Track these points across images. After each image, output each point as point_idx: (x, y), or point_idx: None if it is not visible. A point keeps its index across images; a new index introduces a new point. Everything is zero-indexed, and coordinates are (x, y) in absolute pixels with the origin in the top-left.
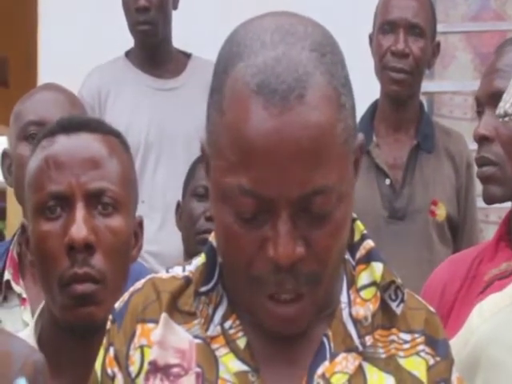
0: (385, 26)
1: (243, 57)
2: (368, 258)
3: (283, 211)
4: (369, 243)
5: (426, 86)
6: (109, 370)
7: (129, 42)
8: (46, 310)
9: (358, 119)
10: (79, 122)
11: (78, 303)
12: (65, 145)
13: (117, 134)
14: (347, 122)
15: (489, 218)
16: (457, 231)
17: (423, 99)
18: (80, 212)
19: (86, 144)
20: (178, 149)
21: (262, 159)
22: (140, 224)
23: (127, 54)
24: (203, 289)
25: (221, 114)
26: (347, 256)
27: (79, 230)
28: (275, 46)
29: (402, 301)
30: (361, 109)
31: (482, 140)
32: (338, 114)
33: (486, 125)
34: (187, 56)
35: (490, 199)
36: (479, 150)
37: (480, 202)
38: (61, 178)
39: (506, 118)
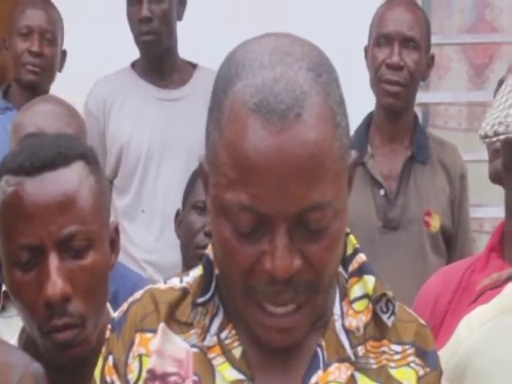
0: (380, 38)
1: (242, 76)
2: (360, 272)
3: (281, 226)
4: (361, 257)
5: (422, 97)
6: (108, 378)
7: (136, 52)
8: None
9: (353, 131)
10: (42, 162)
11: (60, 348)
12: (30, 191)
13: (83, 156)
14: (342, 141)
15: (483, 228)
16: (451, 242)
17: (418, 110)
18: (53, 263)
19: (51, 187)
20: (180, 159)
21: (262, 176)
22: (116, 229)
23: (133, 64)
24: (200, 300)
25: (220, 132)
26: (340, 269)
27: (54, 286)
28: (273, 67)
29: (393, 313)
30: (357, 121)
31: None
32: (334, 133)
33: None
34: (193, 66)
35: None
36: None
37: (474, 213)
38: (30, 230)
39: (487, 140)
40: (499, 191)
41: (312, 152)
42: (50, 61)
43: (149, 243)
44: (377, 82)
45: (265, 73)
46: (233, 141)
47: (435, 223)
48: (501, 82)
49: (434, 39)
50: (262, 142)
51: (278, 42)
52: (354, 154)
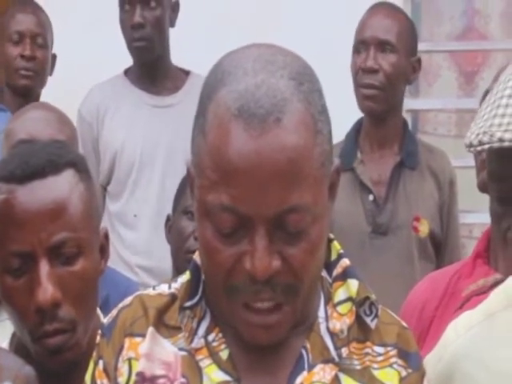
0: (359, 45)
1: (226, 83)
2: (344, 276)
3: (260, 227)
4: (345, 262)
5: (411, 103)
6: (98, 382)
7: (126, 57)
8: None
9: (343, 137)
10: (32, 170)
11: (51, 353)
12: (21, 199)
13: (73, 163)
14: (323, 147)
15: (472, 234)
16: (440, 247)
17: (408, 116)
18: (43, 269)
19: (42, 195)
20: (172, 165)
21: (242, 178)
22: (105, 236)
23: (126, 71)
24: (188, 304)
25: (204, 136)
26: (324, 274)
27: (45, 292)
28: (256, 74)
29: (376, 316)
30: (348, 127)
31: None
32: (315, 139)
33: None
34: (186, 73)
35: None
36: None
37: (463, 219)
38: (21, 237)
39: (472, 149)
40: (489, 197)
41: (291, 156)
42: (42, 64)
43: (142, 248)
44: (356, 87)
45: (247, 79)
46: (215, 144)
47: (424, 229)
48: (487, 92)
49: (423, 46)
50: (243, 146)
51: (262, 52)
52: (336, 161)
